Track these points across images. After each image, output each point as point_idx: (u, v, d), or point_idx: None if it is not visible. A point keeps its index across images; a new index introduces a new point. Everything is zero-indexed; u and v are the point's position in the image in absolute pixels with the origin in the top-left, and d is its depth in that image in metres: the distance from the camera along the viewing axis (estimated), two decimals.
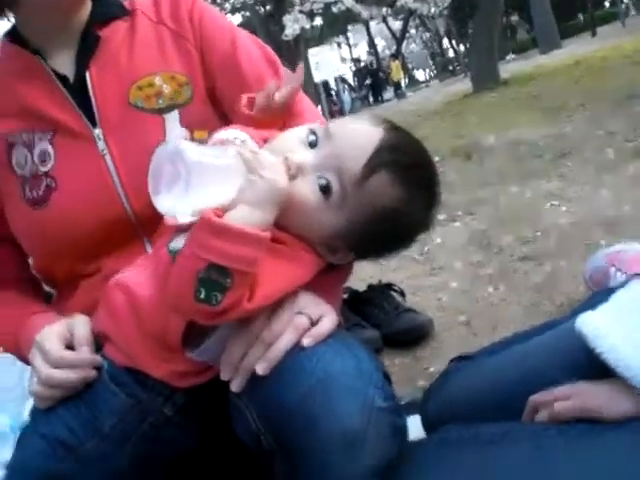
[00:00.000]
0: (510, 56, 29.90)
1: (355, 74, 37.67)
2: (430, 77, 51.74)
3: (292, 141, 1.13)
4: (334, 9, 19.34)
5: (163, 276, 1.07)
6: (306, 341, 1.04)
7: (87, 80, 1.36)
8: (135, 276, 1.17)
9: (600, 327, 1.03)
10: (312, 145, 1.12)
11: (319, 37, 35.28)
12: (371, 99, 32.45)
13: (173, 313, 1.07)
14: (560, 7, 26.99)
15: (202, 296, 0.98)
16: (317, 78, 15.61)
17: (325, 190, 1.08)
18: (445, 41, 46.64)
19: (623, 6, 30.35)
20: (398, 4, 22.01)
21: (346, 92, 31.65)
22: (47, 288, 1.54)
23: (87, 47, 1.39)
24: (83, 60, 1.38)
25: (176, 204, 1.01)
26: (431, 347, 2.14)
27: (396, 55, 34.13)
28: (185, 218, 1.02)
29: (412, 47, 53.92)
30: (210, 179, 1.02)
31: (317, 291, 1.12)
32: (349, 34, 44.85)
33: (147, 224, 1.29)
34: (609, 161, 3.87)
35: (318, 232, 1.11)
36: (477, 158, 4.99)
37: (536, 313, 2.11)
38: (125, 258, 1.26)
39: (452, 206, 3.60)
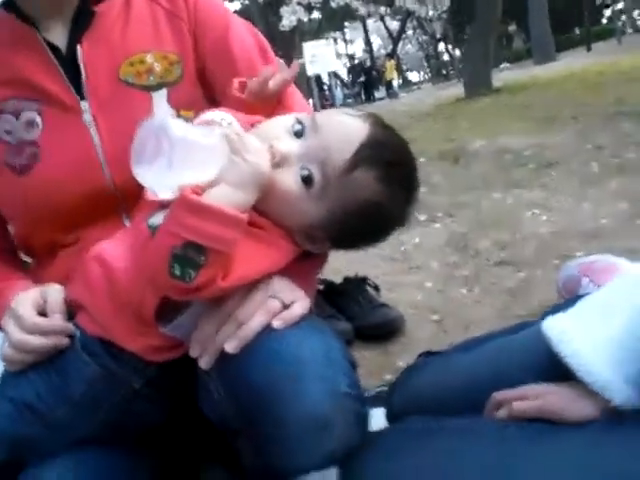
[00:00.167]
0: (504, 65, 29.94)
1: (349, 71, 37.65)
2: (424, 79, 51.78)
3: (278, 129, 1.14)
4: (332, 3, 19.33)
5: (141, 250, 1.08)
6: (276, 323, 1.05)
7: (78, 53, 1.37)
8: (113, 249, 1.18)
9: (564, 331, 1.05)
10: (298, 134, 1.12)
11: (316, 31, 35.19)
12: (363, 97, 32.43)
13: (148, 287, 1.08)
14: (557, 20, 27.06)
15: (177, 272, 0.99)
16: (310, 72, 15.54)
17: (307, 181, 1.09)
18: (441, 45, 46.64)
19: (620, 23, 30.49)
20: (397, 4, 22.01)
21: (338, 88, 31.62)
22: (25, 258, 1.54)
23: (81, 21, 1.39)
24: (76, 34, 1.39)
25: (157, 178, 1.02)
26: (401, 343, 2.16)
27: (391, 55, 34.11)
28: (166, 194, 1.03)
29: (408, 48, 53.88)
30: (193, 157, 1.02)
31: (292, 277, 1.13)
32: (346, 30, 44.78)
33: (128, 198, 1.30)
34: (593, 175, 3.91)
35: (298, 221, 1.12)
36: (464, 162, 5.01)
37: (508, 317, 2.13)
38: (105, 230, 1.27)
39: (433, 207, 3.62)
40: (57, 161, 1.34)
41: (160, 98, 1.38)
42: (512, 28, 41.58)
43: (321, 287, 2.26)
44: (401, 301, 2.43)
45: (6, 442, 1.16)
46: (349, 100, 30.76)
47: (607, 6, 41.79)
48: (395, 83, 29.15)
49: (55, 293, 1.23)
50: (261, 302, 1.07)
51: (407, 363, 1.43)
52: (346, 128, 1.12)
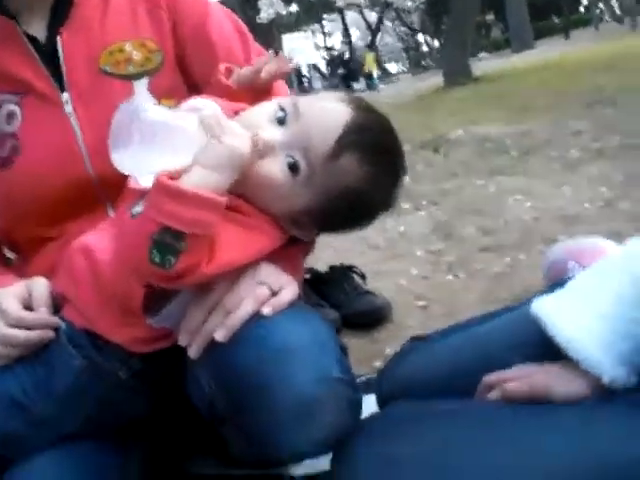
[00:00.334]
0: (483, 54, 30.03)
1: (328, 63, 37.62)
2: (402, 71, 51.84)
3: (261, 116, 1.13)
4: None
5: (122, 239, 1.07)
6: (266, 310, 1.05)
7: (58, 44, 1.35)
8: (97, 240, 1.17)
9: (554, 311, 1.05)
10: (280, 122, 1.11)
11: (294, 23, 35.14)
12: (342, 89, 32.41)
13: (133, 277, 1.07)
14: (535, 8, 27.18)
15: (156, 259, 0.98)
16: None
17: (293, 168, 1.09)
18: (420, 36, 46.71)
19: (597, 11, 30.65)
20: None
21: (317, 80, 31.61)
22: (8, 254, 1.53)
23: (60, 12, 1.38)
24: (55, 25, 1.37)
25: (132, 163, 1.02)
26: (388, 329, 2.16)
27: (371, 46, 34.12)
28: (148, 182, 1.02)
29: (386, 39, 53.93)
30: (168, 141, 1.02)
31: (279, 263, 1.12)
32: (324, 22, 44.73)
33: (111, 188, 1.28)
34: (573, 160, 3.94)
35: (285, 208, 1.12)
36: (445, 151, 5.03)
37: (493, 301, 2.14)
38: (88, 222, 1.26)
39: (417, 196, 3.64)
40: (38, 154, 1.33)
41: (141, 87, 1.37)
42: (490, 17, 41.68)
43: (307, 276, 2.26)
44: (387, 288, 2.44)
45: None
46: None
47: None
48: (374, 74, 29.17)
49: (40, 287, 1.22)
50: (249, 289, 1.06)
51: (395, 350, 1.42)
52: (329, 114, 1.11)
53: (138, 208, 1.06)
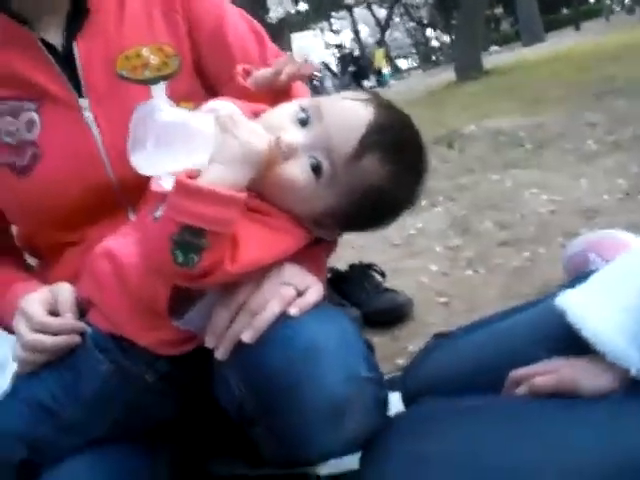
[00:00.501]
0: (493, 48, 29.95)
1: (338, 60, 37.57)
2: (412, 66, 51.72)
3: (282, 118, 1.12)
4: None
5: (146, 242, 1.08)
6: (293, 310, 1.04)
7: (75, 50, 1.36)
8: (121, 244, 1.17)
9: (580, 304, 1.04)
10: (303, 122, 1.11)
11: (303, 21, 35.12)
12: (353, 86, 32.35)
13: (159, 280, 1.08)
14: (544, 0, 27.05)
15: (179, 259, 0.98)
16: None
17: (315, 170, 1.09)
18: (429, 31, 46.59)
19: (608, 1, 30.50)
20: None
21: (328, 78, 31.56)
22: (29, 260, 1.54)
23: (76, 18, 1.39)
24: (72, 30, 1.38)
25: (150, 164, 1.02)
26: (410, 327, 2.16)
27: (380, 43, 34.07)
28: (170, 184, 1.02)
29: (396, 35, 53.81)
30: (185, 141, 1.02)
31: (303, 263, 1.12)
32: (333, 20, 44.67)
33: (131, 193, 1.29)
34: (589, 152, 3.91)
35: (308, 210, 1.11)
36: (459, 146, 5.01)
37: (514, 296, 2.14)
38: (109, 227, 1.27)
39: (433, 192, 3.63)
40: (58, 160, 1.34)
41: (159, 91, 1.37)
42: (499, 11, 41.53)
43: (328, 275, 2.26)
44: (407, 286, 2.43)
45: (24, 442, 1.15)
46: (339, 90, 30.67)
47: None
48: (385, 71, 29.13)
49: (65, 292, 1.22)
50: (274, 290, 1.06)
51: (418, 347, 1.42)
52: (350, 114, 1.11)
53: (160, 212, 1.07)
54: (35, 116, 1.35)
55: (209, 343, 1.09)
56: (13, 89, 1.37)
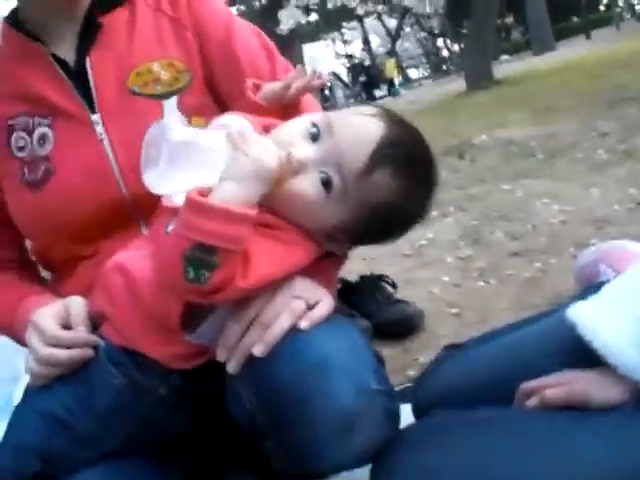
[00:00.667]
0: (504, 57, 29.92)
1: (349, 71, 37.62)
2: (423, 76, 51.72)
3: (293, 133, 1.13)
4: (329, 5, 19.31)
5: (158, 258, 1.09)
6: (303, 324, 1.05)
7: (87, 66, 1.38)
8: (133, 259, 1.18)
9: (591, 316, 1.04)
10: (313, 138, 1.12)
11: (314, 32, 35.18)
12: (364, 96, 32.36)
13: (172, 296, 1.08)
14: (555, 9, 27.02)
15: (191, 276, 0.99)
16: None
17: (326, 185, 1.09)
18: (440, 40, 46.61)
19: (618, 10, 30.45)
20: (394, 1, 22.01)
21: (339, 89, 31.60)
22: (43, 274, 1.55)
23: (88, 34, 1.40)
24: (84, 46, 1.40)
25: (162, 182, 1.03)
26: (421, 338, 2.16)
27: (391, 53, 34.11)
28: (182, 200, 1.03)
29: (406, 45, 53.84)
30: (196, 159, 1.03)
31: (313, 276, 1.13)
32: (344, 30, 44.74)
33: (144, 207, 1.30)
34: (601, 161, 3.90)
35: (319, 224, 1.12)
36: (470, 156, 5.01)
37: (526, 307, 2.13)
38: (122, 241, 1.27)
39: (444, 202, 3.62)
40: (71, 175, 1.35)
41: (170, 106, 1.38)
42: (510, 20, 41.48)
43: (338, 286, 2.26)
44: (419, 297, 2.43)
45: (38, 455, 1.16)
46: (350, 100, 30.74)
47: None
48: (396, 81, 29.16)
49: (78, 305, 1.23)
50: (285, 303, 1.07)
51: (429, 359, 1.42)
52: (361, 129, 1.12)
53: (172, 226, 1.07)
54: (48, 131, 1.37)
55: (220, 356, 1.09)
56: (26, 104, 1.38)
